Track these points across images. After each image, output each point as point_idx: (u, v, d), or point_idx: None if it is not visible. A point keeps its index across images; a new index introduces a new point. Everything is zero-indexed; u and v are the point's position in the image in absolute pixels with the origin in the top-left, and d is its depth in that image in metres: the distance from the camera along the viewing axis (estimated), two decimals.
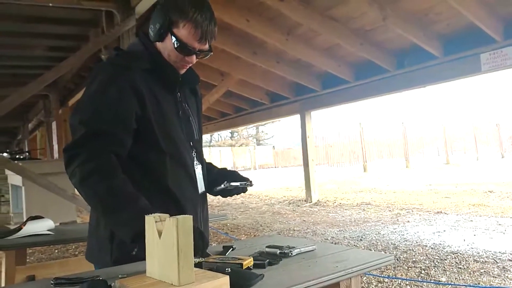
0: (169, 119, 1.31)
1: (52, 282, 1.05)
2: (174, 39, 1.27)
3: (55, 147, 7.80)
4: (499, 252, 3.79)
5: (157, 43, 1.32)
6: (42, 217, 2.35)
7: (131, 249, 1.22)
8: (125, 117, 1.23)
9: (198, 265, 1.10)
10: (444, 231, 4.87)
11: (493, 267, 3.36)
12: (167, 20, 1.26)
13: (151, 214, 0.99)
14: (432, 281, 3.14)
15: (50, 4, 3.89)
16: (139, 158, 1.28)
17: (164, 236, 0.94)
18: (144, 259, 1.00)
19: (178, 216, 0.93)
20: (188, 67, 1.38)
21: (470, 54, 5.06)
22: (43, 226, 2.26)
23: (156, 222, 0.98)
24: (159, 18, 1.27)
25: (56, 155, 7.74)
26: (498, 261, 3.53)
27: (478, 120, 22.94)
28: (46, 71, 4.99)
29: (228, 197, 1.48)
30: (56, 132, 7.82)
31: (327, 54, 6.25)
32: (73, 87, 7.70)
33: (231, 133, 35.30)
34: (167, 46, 1.30)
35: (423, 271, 3.39)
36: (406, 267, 3.52)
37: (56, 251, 4.81)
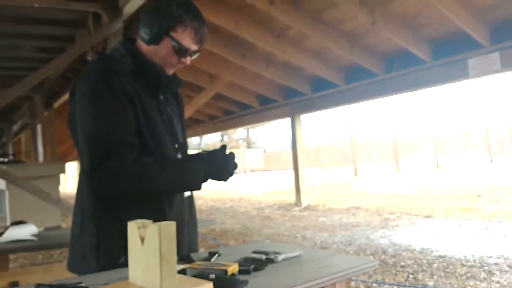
0: (154, 122, 1.30)
1: None
2: (174, 42, 1.29)
3: (40, 150, 7.68)
4: (486, 256, 3.82)
5: (147, 46, 1.33)
6: (25, 222, 2.29)
7: (118, 257, 1.19)
8: (129, 122, 1.23)
9: (182, 271, 1.08)
10: (433, 235, 4.90)
11: (479, 271, 3.38)
12: (165, 25, 1.28)
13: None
14: (419, 286, 3.14)
15: (36, 5, 3.83)
16: None
17: (147, 243, 0.92)
18: None
19: (161, 222, 0.91)
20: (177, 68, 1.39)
21: (458, 59, 5.10)
22: (25, 231, 2.20)
23: (139, 228, 0.96)
24: (156, 22, 1.29)
25: (41, 158, 7.62)
26: (484, 265, 3.55)
27: (468, 124, 23.26)
28: (31, 73, 4.91)
29: None
30: (41, 135, 7.71)
31: (317, 57, 6.26)
32: (59, 89, 7.60)
33: (221, 135, 35.24)
34: (163, 48, 1.32)
35: (411, 276, 3.39)
36: (394, 272, 3.52)
37: (41, 256, 4.71)
